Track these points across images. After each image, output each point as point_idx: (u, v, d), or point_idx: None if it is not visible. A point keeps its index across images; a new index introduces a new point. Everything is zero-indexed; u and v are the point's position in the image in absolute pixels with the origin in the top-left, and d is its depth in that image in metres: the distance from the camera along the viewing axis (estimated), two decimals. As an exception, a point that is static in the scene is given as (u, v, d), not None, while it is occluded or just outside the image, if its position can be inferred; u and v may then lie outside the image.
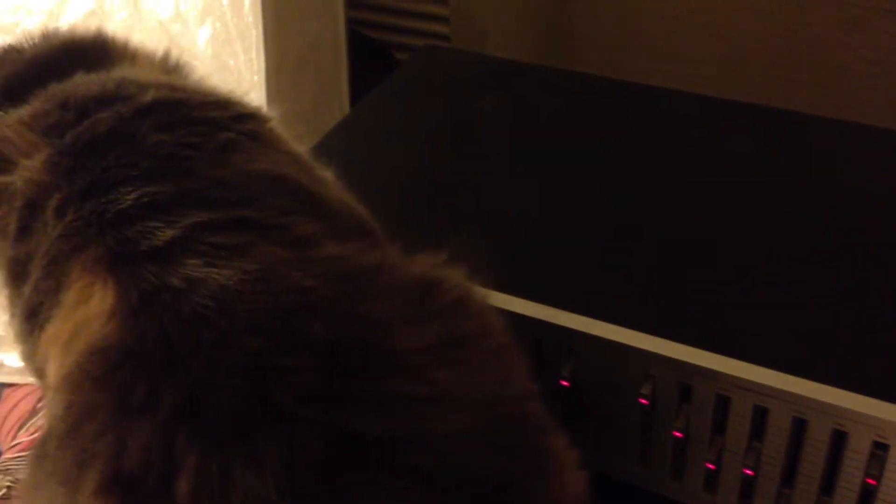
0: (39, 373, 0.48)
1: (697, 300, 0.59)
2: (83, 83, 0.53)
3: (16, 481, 0.91)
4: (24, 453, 0.94)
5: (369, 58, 1.20)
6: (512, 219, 0.67)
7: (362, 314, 0.43)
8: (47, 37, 0.60)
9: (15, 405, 1.04)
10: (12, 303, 0.51)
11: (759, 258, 0.62)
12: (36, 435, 0.95)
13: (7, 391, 1.09)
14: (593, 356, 0.56)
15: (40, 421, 0.97)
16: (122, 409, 0.39)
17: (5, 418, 1.05)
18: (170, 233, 0.44)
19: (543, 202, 0.67)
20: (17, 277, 0.49)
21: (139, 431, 0.38)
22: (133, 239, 0.44)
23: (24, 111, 0.52)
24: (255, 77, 0.90)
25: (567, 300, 0.57)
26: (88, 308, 0.43)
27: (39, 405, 1.00)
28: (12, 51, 0.59)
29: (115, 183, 0.46)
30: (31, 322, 0.47)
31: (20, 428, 0.99)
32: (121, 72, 0.56)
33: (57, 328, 0.44)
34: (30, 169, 0.49)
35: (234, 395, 0.39)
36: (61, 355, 0.43)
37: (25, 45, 0.59)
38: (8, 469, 0.94)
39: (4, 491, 0.92)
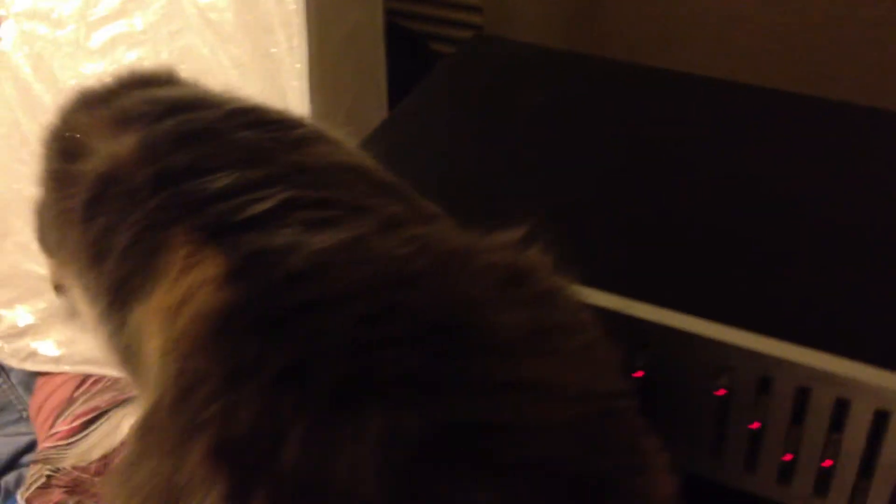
0: (127, 350, 0.48)
1: (776, 290, 0.59)
2: (166, 91, 0.57)
3: (56, 470, 0.91)
4: (62, 442, 0.94)
5: (404, 48, 1.20)
6: (580, 211, 0.66)
7: (460, 293, 0.43)
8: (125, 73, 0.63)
9: (50, 394, 1.04)
10: (90, 287, 0.51)
11: (841, 249, 0.62)
12: (75, 424, 0.95)
13: (41, 380, 1.08)
14: (669, 348, 0.55)
15: (80, 408, 0.97)
16: (233, 374, 0.39)
17: (41, 407, 1.05)
18: (264, 205, 0.45)
19: (609, 193, 0.67)
20: (95, 257, 0.50)
21: (248, 397, 0.38)
22: (231, 210, 0.45)
23: (108, 109, 0.55)
24: (298, 65, 0.89)
25: (642, 291, 0.57)
26: (195, 276, 0.43)
27: (77, 393, 0.99)
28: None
29: (210, 168, 0.48)
30: (119, 296, 0.47)
31: (58, 417, 0.99)
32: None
33: (161, 298, 0.44)
34: (115, 148, 0.51)
35: (338, 361, 0.39)
36: (167, 325, 0.43)
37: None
38: (48, 458, 0.94)
39: (44, 480, 0.92)
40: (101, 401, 0.96)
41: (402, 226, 0.47)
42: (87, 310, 0.52)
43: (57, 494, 0.90)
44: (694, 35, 1.23)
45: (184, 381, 0.41)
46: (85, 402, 0.98)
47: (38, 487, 0.91)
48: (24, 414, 1.19)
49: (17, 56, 0.99)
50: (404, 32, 1.26)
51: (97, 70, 0.96)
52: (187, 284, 0.43)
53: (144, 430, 0.42)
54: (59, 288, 0.59)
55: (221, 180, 0.47)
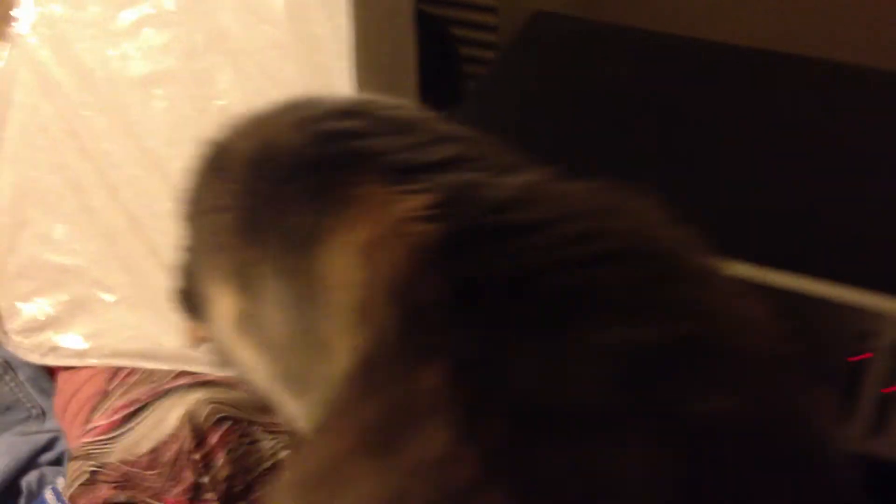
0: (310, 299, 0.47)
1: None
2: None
3: (102, 465, 0.89)
4: (103, 437, 0.92)
5: (424, 31, 1.18)
6: (689, 185, 0.67)
7: (646, 225, 0.45)
8: None
9: (78, 389, 1.01)
10: (266, 257, 0.51)
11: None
12: (115, 417, 0.92)
13: (64, 375, 1.05)
14: (806, 313, 0.56)
15: (118, 402, 0.94)
16: (459, 298, 0.40)
17: (69, 403, 1.01)
18: (438, 155, 0.47)
19: (713, 167, 0.68)
20: (263, 225, 0.50)
21: (476, 318, 0.39)
22: (410, 157, 0.47)
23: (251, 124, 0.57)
24: (341, 46, 0.88)
25: (776, 257, 0.57)
26: (395, 212, 0.44)
27: (112, 386, 0.97)
28: None
29: (368, 133, 0.50)
30: (305, 247, 0.47)
31: (92, 411, 0.96)
32: None
33: (359, 236, 0.45)
34: (263, 133, 0.53)
35: (559, 278, 0.40)
36: (371, 261, 0.44)
37: None
38: (89, 454, 0.91)
39: (88, 476, 0.89)
40: (139, 393, 0.94)
41: (565, 182, 0.48)
42: (271, 291, 0.51)
43: (105, 490, 0.87)
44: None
45: (408, 311, 0.41)
46: (122, 394, 0.95)
47: (82, 484, 0.89)
48: (34, 412, 1.16)
49: (35, 39, 0.95)
50: (424, 15, 1.25)
51: (124, 53, 0.93)
52: (389, 220, 0.44)
53: (367, 367, 0.42)
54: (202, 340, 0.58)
55: (383, 140, 0.48)
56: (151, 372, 0.97)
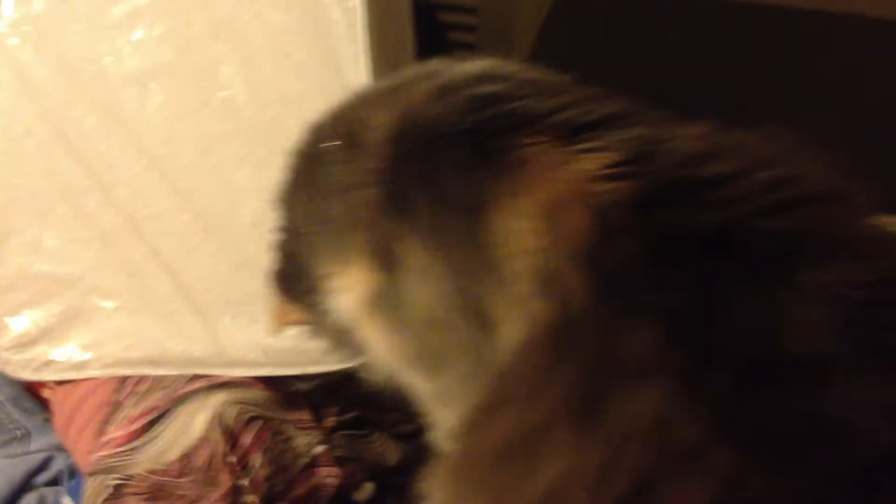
0: (485, 266, 0.45)
1: None
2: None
3: (129, 477, 0.85)
4: (122, 448, 0.88)
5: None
6: None
7: (812, 170, 0.44)
8: None
9: (80, 403, 0.96)
10: (424, 226, 0.49)
11: None
12: (134, 427, 0.89)
13: (60, 391, 1.00)
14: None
15: (133, 411, 0.90)
16: (659, 251, 0.39)
17: (71, 419, 0.97)
18: (599, 114, 0.46)
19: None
20: (406, 199, 0.49)
21: (681, 269, 0.38)
22: (572, 117, 0.45)
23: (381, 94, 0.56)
24: (351, 29, 0.86)
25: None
26: (572, 172, 0.43)
27: (122, 396, 0.93)
28: None
29: (513, 96, 0.48)
30: (472, 213, 0.46)
31: (104, 424, 0.91)
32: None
33: (533, 199, 0.43)
34: (403, 102, 0.51)
35: (760, 224, 0.39)
36: (553, 222, 0.43)
37: None
38: (110, 467, 0.87)
39: (112, 490, 0.86)
40: (155, 400, 0.90)
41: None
42: (426, 265, 0.49)
43: (134, 502, 0.84)
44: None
45: (602, 274, 0.40)
46: (136, 403, 0.91)
47: (107, 499, 0.85)
48: (18, 433, 1.10)
49: (16, 39, 0.90)
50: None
51: (116, 47, 0.89)
52: (570, 181, 0.42)
53: (557, 335, 0.40)
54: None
55: (535, 101, 0.47)
56: (162, 378, 0.93)
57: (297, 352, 0.93)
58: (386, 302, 0.52)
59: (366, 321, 0.53)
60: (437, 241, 0.48)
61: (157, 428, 0.87)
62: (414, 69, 0.55)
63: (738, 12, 0.84)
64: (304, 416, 0.90)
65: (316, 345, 0.94)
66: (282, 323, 0.65)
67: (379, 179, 0.50)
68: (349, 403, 0.93)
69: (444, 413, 0.55)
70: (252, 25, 0.86)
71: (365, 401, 0.94)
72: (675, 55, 0.77)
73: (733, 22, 0.81)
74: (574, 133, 0.45)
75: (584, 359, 0.39)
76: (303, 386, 0.94)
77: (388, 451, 0.89)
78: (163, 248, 0.95)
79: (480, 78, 0.51)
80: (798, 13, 0.80)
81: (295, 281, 0.59)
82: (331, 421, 0.90)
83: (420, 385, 0.54)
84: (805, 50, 0.79)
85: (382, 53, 0.88)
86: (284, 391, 0.92)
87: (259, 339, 0.94)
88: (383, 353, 0.54)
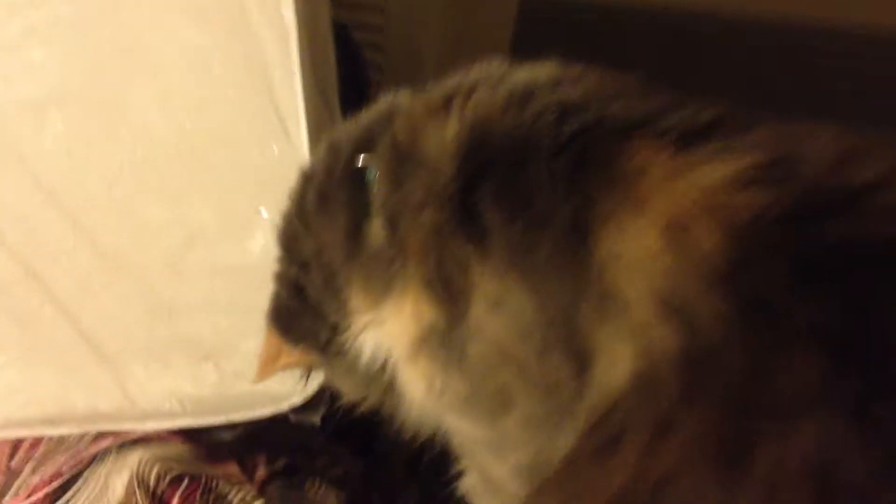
0: (597, 295, 0.40)
1: None
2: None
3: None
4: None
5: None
6: None
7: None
8: None
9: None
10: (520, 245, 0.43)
11: None
12: (37, 497, 0.78)
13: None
14: None
15: (33, 479, 0.80)
16: (815, 277, 0.35)
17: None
18: (706, 117, 0.41)
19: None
20: (479, 223, 0.44)
21: (840, 301, 0.34)
22: (681, 120, 0.41)
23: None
24: (284, 43, 0.80)
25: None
26: (699, 182, 0.38)
27: (13, 463, 0.82)
28: None
29: (601, 99, 0.44)
30: (577, 233, 0.41)
31: (0, 497, 0.80)
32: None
33: (651, 214, 0.39)
34: (469, 111, 0.46)
35: None
36: (678, 249, 0.38)
37: None
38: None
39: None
40: (57, 465, 0.80)
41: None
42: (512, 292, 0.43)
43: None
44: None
45: (745, 297, 0.35)
46: (34, 470, 0.81)
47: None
48: None
49: None
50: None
51: (6, 72, 0.79)
52: (694, 193, 0.38)
53: (688, 368, 0.35)
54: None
55: (622, 106, 0.42)
56: (63, 439, 0.84)
57: (219, 399, 0.86)
58: (441, 338, 0.46)
59: (410, 359, 0.47)
60: (521, 267, 0.42)
61: (66, 496, 0.78)
62: (457, 75, 0.49)
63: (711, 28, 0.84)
64: (232, 468, 0.82)
65: (239, 390, 0.87)
66: (275, 367, 0.59)
67: (442, 199, 0.44)
68: (276, 450, 0.86)
69: (489, 461, 0.49)
70: (167, 45, 0.79)
71: (292, 446, 0.88)
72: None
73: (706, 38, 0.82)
74: (687, 138, 0.40)
75: (724, 394, 0.35)
76: (226, 436, 0.87)
77: (327, 499, 0.83)
78: (60, 293, 0.85)
79: (555, 82, 0.46)
80: (764, 26, 0.81)
81: (301, 319, 0.53)
82: (262, 473, 0.83)
83: (468, 430, 0.48)
84: (775, 63, 0.81)
85: (313, 72, 0.83)
86: (206, 443, 0.85)
87: (175, 388, 0.86)
88: (422, 395, 0.48)
